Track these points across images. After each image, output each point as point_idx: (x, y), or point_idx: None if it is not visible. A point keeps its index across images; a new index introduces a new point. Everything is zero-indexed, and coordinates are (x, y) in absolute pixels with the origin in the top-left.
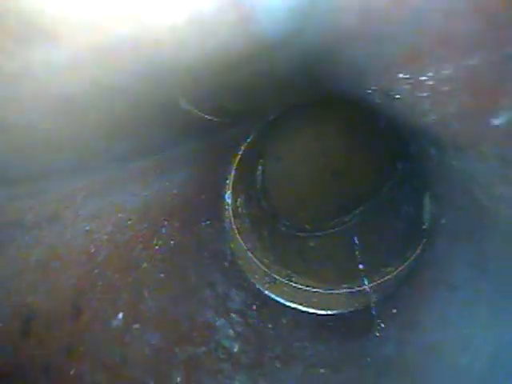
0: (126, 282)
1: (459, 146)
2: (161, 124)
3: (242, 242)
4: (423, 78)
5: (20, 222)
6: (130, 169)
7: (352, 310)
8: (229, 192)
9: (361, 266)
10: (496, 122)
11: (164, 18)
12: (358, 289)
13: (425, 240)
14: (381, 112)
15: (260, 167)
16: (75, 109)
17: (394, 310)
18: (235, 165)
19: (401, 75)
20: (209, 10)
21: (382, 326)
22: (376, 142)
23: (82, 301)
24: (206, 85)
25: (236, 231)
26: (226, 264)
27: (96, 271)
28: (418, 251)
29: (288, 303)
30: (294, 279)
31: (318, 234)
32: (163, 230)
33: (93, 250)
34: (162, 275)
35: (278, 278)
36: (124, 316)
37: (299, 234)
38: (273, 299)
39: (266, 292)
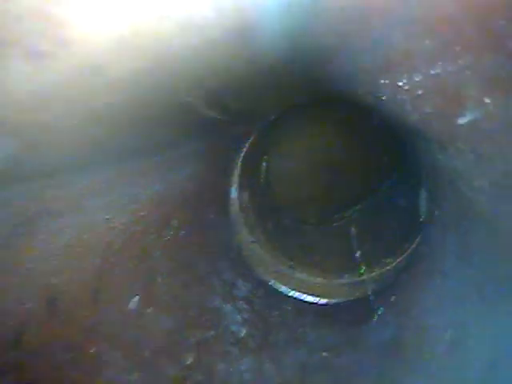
0: (140, 269)
1: (441, 142)
2: (171, 123)
3: (247, 234)
4: (400, 83)
5: (48, 211)
6: (143, 163)
7: (352, 298)
8: (235, 187)
9: (357, 255)
10: (462, 121)
11: (164, 18)
12: (359, 279)
13: (421, 232)
14: (376, 112)
15: (264, 164)
16: (93, 109)
17: (393, 298)
18: (241, 161)
19: (382, 81)
20: (209, 14)
21: (381, 312)
22: (374, 140)
23: (101, 285)
24: (209, 85)
25: (242, 224)
26: (233, 255)
27: (113, 259)
28: (415, 244)
29: (291, 292)
30: (297, 270)
31: (320, 227)
32: (174, 222)
33: (110, 239)
34: (173, 263)
35: (281, 268)
36: (139, 300)
37: (302, 227)
38: (277, 288)
39: (271, 282)
